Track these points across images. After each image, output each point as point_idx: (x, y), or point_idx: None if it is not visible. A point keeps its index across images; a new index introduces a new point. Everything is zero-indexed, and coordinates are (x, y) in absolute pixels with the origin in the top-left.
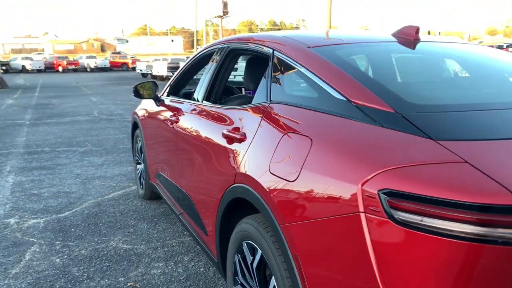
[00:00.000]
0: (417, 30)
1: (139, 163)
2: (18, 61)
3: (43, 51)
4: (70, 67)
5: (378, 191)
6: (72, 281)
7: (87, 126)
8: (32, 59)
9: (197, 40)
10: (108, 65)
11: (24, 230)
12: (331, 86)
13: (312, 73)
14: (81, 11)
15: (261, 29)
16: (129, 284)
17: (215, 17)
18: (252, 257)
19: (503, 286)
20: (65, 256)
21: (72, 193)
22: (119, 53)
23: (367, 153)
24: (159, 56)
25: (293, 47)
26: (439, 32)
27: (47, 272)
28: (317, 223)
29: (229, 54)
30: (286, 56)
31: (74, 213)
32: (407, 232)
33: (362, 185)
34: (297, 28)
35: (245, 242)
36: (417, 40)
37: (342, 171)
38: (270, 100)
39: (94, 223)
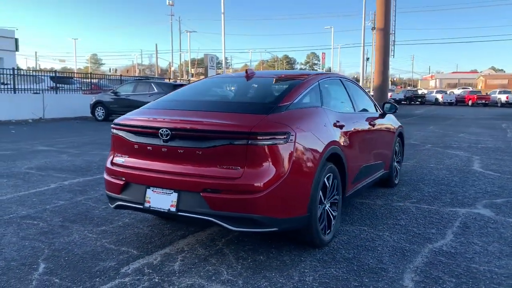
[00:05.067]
0: (246, 70)
1: None
2: (432, 94)
3: (476, 86)
4: (479, 101)
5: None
6: None
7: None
8: (446, 93)
9: None
10: None
11: None
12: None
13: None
14: None
15: None
16: None
17: None
18: None
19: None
20: None
21: None
22: None
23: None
24: None
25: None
26: None
27: None
28: None
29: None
30: None
31: None
32: (115, 135)
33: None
34: None
35: None
36: (244, 76)
37: None
38: None
39: None
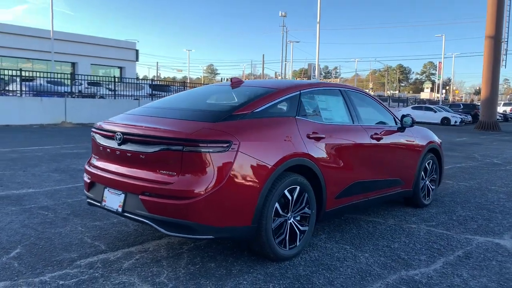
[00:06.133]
0: (231, 79)
1: None
2: None
3: None
4: None
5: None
6: None
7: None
8: None
9: None
10: None
11: None
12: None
13: None
14: None
15: None
16: None
17: None
18: None
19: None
20: None
21: None
22: None
23: None
24: None
25: None
26: None
27: None
28: None
29: None
30: None
31: None
32: (92, 138)
33: None
34: None
35: None
36: (227, 84)
37: None
38: None
39: None
